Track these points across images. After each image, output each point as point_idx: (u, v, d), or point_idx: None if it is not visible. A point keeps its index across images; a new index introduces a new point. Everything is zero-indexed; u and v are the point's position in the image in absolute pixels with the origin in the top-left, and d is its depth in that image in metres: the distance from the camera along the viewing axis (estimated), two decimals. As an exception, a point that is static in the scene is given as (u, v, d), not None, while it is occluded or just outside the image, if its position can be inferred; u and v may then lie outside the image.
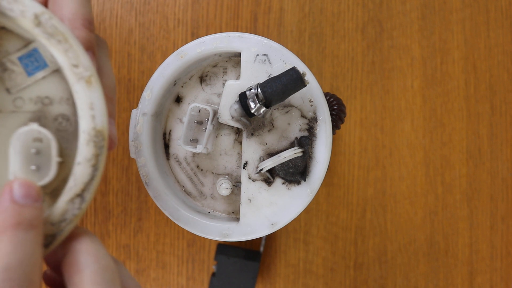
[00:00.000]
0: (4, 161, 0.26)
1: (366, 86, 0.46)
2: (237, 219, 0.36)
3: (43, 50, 0.26)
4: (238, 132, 0.37)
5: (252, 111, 0.33)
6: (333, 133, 0.36)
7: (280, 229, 0.44)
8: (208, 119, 0.35)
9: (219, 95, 0.37)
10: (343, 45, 0.47)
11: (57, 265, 0.25)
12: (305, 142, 0.35)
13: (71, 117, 0.26)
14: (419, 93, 0.47)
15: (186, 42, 0.40)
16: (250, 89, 0.33)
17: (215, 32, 0.41)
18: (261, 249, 0.46)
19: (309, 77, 0.34)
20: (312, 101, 0.35)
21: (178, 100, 0.38)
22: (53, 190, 0.26)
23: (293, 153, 0.34)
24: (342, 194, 0.47)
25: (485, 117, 0.47)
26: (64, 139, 0.26)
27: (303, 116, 0.35)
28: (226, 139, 0.37)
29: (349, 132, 0.47)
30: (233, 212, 0.38)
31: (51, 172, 0.25)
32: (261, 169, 0.35)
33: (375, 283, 0.47)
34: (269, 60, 0.35)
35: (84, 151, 0.24)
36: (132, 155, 0.36)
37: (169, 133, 0.38)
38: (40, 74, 0.26)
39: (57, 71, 0.26)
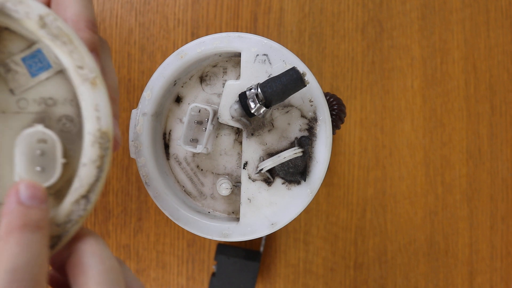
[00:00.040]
0: (9, 162, 0.26)
1: (366, 86, 0.46)
2: (237, 219, 0.36)
3: (47, 51, 0.26)
4: (238, 132, 0.37)
5: (252, 111, 0.33)
6: (333, 133, 0.36)
7: (280, 229, 0.44)
8: (208, 119, 0.35)
9: (219, 95, 0.37)
10: (343, 45, 0.47)
11: (61, 265, 0.25)
12: (305, 142, 0.35)
13: (74, 118, 0.26)
14: (419, 93, 0.47)
15: (186, 42, 0.40)
16: (250, 89, 0.33)
17: (215, 32, 0.41)
18: (261, 249, 0.46)
19: (309, 77, 0.34)
20: (312, 101, 0.35)
21: (178, 100, 0.38)
22: (57, 191, 0.26)
23: (293, 153, 0.34)
24: (342, 194, 0.47)
25: (485, 117, 0.47)
26: (68, 140, 0.26)
27: (303, 116, 0.35)
28: (226, 139, 0.37)
29: (349, 132, 0.47)
30: (233, 212, 0.38)
31: (56, 174, 0.25)
32: (261, 169, 0.35)
33: (375, 283, 0.47)
34: (269, 60, 0.35)
35: (89, 153, 0.24)
36: (132, 155, 0.36)
37: (169, 133, 0.38)
38: (43, 75, 0.26)
39: (61, 72, 0.26)
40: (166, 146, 0.38)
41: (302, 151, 0.34)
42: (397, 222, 0.47)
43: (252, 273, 0.44)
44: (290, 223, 0.40)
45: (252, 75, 0.35)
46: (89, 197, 0.24)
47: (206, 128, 0.35)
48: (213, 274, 0.44)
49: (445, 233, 0.47)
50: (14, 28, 0.26)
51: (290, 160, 0.34)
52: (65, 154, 0.26)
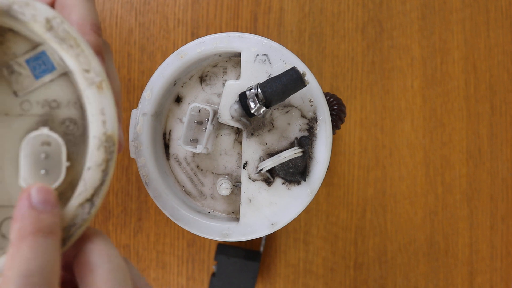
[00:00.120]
0: (12, 164, 0.26)
1: (366, 86, 0.46)
2: (237, 219, 0.36)
3: (51, 53, 0.26)
4: (238, 132, 0.37)
5: (252, 111, 0.33)
6: (333, 133, 0.36)
7: (280, 229, 0.44)
8: (208, 119, 0.35)
9: (219, 95, 0.37)
10: (343, 45, 0.47)
11: (67, 264, 0.25)
12: (305, 142, 0.35)
13: (78, 120, 0.26)
14: (419, 93, 0.47)
15: (186, 42, 0.40)
16: (250, 89, 0.33)
17: (215, 32, 0.41)
18: (261, 249, 0.46)
19: (309, 77, 0.34)
20: (312, 101, 0.35)
21: (178, 100, 0.38)
22: (60, 194, 0.26)
23: (293, 153, 0.34)
24: (342, 194, 0.47)
25: (485, 117, 0.47)
26: (71, 142, 0.26)
27: (303, 116, 0.35)
28: (226, 139, 0.37)
29: (349, 132, 0.47)
30: (233, 212, 0.38)
31: (61, 177, 0.25)
32: (261, 169, 0.35)
33: (375, 283, 0.47)
34: (269, 60, 0.35)
35: (94, 156, 0.24)
36: (132, 155, 0.36)
37: (169, 133, 0.38)
38: (47, 77, 0.26)
39: (65, 74, 0.26)
40: (166, 146, 0.38)
41: (302, 151, 0.34)
42: (397, 222, 0.47)
43: (252, 273, 0.44)
44: (290, 223, 0.40)
45: (252, 75, 0.35)
46: (93, 200, 0.24)
47: (206, 128, 0.35)
48: (213, 274, 0.44)
49: (445, 233, 0.47)
50: (19, 30, 0.26)
51: (290, 160, 0.34)
52: (69, 157, 0.26)
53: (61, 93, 0.26)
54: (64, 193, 0.26)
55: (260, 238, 0.46)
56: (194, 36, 0.47)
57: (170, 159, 0.38)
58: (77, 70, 0.24)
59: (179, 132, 0.38)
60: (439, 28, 0.47)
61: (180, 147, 0.37)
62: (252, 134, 0.35)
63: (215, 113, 0.35)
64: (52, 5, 0.28)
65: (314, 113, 0.35)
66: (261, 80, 0.33)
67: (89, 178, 0.24)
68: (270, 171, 0.35)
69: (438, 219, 0.47)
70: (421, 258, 0.47)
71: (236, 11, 0.47)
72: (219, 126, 0.37)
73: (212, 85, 0.37)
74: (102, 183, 0.24)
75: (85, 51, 0.25)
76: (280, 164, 0.34)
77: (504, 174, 0.47)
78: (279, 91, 0.32)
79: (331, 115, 0.35)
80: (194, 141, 0.36)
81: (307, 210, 0.47)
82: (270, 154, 0.35)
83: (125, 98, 0.47)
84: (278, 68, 0.35)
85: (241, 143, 0.37)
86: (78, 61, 0.24)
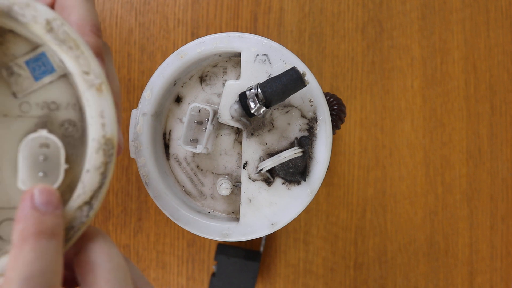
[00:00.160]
0: (10, 166, 0.26)
1: (366, 86, 0.46)
2: (237, 219, 0.36)
3: (51, 55, 0.26)
4: (238, 132, 0.37)
5: (252, 111, 0.33)
6: (333, 133, 0.36)
7: (280, 229, 0.44)
8: (208, 119, 0.35)
9: (219, 95, 0.37)
10: (343, 45, 0.47)
11: (68, 263, 0.25)
12: (305, 142, 0.35)
13: (77, 123, 0.26)
14: (419, 93, 0.47)
15: (186, 42, 0.40)
16: (250, 89, 0.33)
17: (215, 32, 0.41)
18: (261, 249, 0.46)
19: (309, 77, 0.34)
20: (312, 101, 0.35)
21: (178, 100, 0.38)
22: None
23: (293, 153, 0.34)
24: (342, 194, 0.47)
25: (485, 117, 0.47)
26: (70, 145, 0.26)
27: (303, 116, 0.35)
28: (226, 139, 0.37)
29: (349, 132, 0.47)
30: (233, 212, 0.38)
31: (59, 179, 0.25)
32: (261, 169, 0.35)
33: (375, 283, 0.47)
34: (269, 60, 0.35)
35: (93, 159, 0.24)
36: (132, 155, 0.36)
37: (169, 133, 0.38)
38: (47, 79, 0.26)
39: (65, 76, 0.26)
40: (166, 146, 0.38)
41: (302, 151, 0.34)
42: (397, 222, 0.47)
43: (252, 273, 0.44)
44: (290, 223, 0.40)
45: (252, 75, 0.35)
46: (92, 203, 0.24)
47: (206, 128, 0.35)
48: (213, 274, 0.44)
49: (445, 233, 0.47)
50: (18, 31, 0.26)
51: (290, 160, 0.34)
52: (67, 159, 0.26)
53: (61, 95, 0.26)
54: (63, 195, 0.26)
55: (260, 238, 0.46)
56: (194, 36, 0.47)
57: (170, 159, 0.38)
58: (76, 72, 0.24)
59: (179, 132, 0.38)
60: (439, 28, 0.47)
61: (180, 147, 0.37)
62: (252, 134, 0.35)
63: (215, 113, 0.35)
64: (52, 6, 0.28)
65: (314, 113, 0.35)
66: (261, 80, 0.33)
67: (88, 181, 0.24)
68: (270, 171, 0.35)
69: (438, 219, 0.47)
70: (421, 258, 0.47)
71: (236, 11, 0.47)
72: (219, 126, 0.37)
73: (212, 85, 0.37)
74: (101, 186, 0.24)
75: (85, 53, 0.24)
76: (280, 164, 0.34)
77: (504, 174, 0.47)
78: (279, 91, 0.32)
79: (331, 115, 0.35)
80: (194, 141, 0.36)
81: (307, 210, 0.47)
82: (270, 154, 0.35)
83: (125, 98, 0.47)
84: (278, 68, 0.35)
85: (241, 143, 0.37)
86: (78, 63, 0.24)
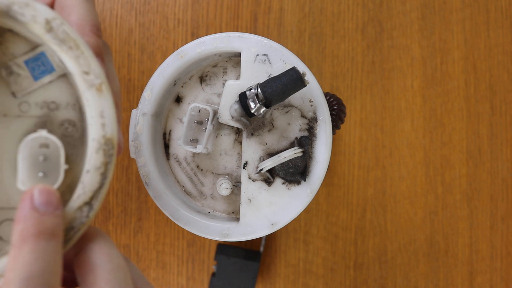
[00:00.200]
0: (10, 166, 0.26)
1: (366, 86, 0.46)
2: (237, 219, 0.36)
3: (50, 54, 0.26)
4: (238, 132, 0.37)
5: (252, 111, 0.33)
6: (333, 133, 0.36)
7: (280, 229, 0.44)
8: (208, 119, 0.35)
9: (219, 95, 0.37)
10: (343, 45, 0.47)
11: (67, 263, 0.25)
12: (305, 142, 0.35)
13: (77, 122, 0.26)
14: (419, 93, 0.47)
15: (186, 42, 0.40)
16: (250, 89, 0.33)
17: (215, 32, 0.41)
18: (261, 249, 0.46)
19: (309, 77, 0.34)
20: (312, 101, 0.35)
21: (178, 100, 0.38)
22: None
23: (293, 153, 0.34)
24: (342, 194, 0.47)
25: (485, 117, 0.47)
26: (70, 144, 0.26)
27: (303, 116, 0.35)
28: (226, 139, 0.37)
29: (349, 132, 0.47)
30: (233, 212, 0.38)
31: (59, 179, 0.25)
32: (261, 169, 0.35)
33: (375, 283, 0.47)
34: (269, 60, 0.35)
35: (93, 159, 0.24)
36: (132, 155, 0.36)
37: (169, 133, 0.38)
38: (46, 79, 0.26)
39: (64, 76, 0.26)
40: (166, 146, 0.38)
41: (302, 151, 0.34)
42: (397, 222, 0.47)
43: (252, 273, 0.44)
44: (290, 223, 0.40)
45: (252, 75, 0.35)
46: (92, 204, 0.24)
47: (206, 128, 0.35)
48: (213, 274, 0.44)
49: (445, 233, 0.47)
50: (18, 30, 0.26)
51: (290, 160, 0.34)
52: (67, 159, 0.26)
53: (60, 94, 0.26)
54: (63, 196, 0.26)
55: (260, 238, 0.46)
56: (194, 36, 0.47)
57: (170, 159, 0.38)
58: (76, 72, 0.24)
59: (179, 132, 0.38)
60: (439, 28, 0.47)
61: (180, 147, 0.37)
62: (252, 134, 0.35)
63: (215, 113, 0.35)
64: (52, 5, 0.28)
65: (314, 113, 0.35)
66: (261, 80, 0.33)
67: (88, 181, 0.24)
68: (270, 171, 0.35)
69: (438, 219, 0.47)
70: (421, 258, 0.47)
71: (236, 11, 0.47)
72: (219, 126, 0.37)
73: (212, 85, 0.37)
74: (101, 186, 0.24)
75: (85, 53, 0.24)
76: (280, 164, 0.34)
77: (504, 174, 0.47)
78: (279, 91, 0.32)
79: (331, 115, 0.35)
80: (194, 141, 0.36)
81: (307, 210, 0.47)
82: (270, 154, 0.35)
83: (125, 98, 0.47)
84: (278, 68, 0.35)
85: (241, 143, 0.37)
86: (77, 63, 0.24)
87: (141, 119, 0.36)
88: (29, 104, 0.26)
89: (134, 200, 0.47)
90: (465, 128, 0.47)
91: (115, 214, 0.47)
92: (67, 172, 0.25)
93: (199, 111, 0.36)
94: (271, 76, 0.35)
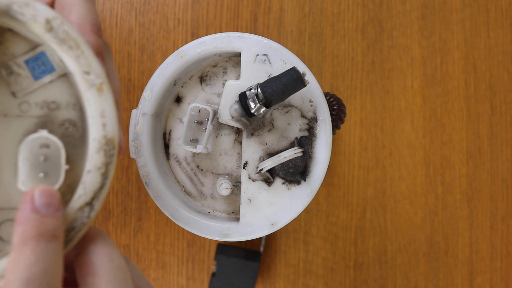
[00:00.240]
0: (10, 166, 0.26)
1: (366, 86, 0.46)
2: (237, 219, 0.36)
3: (51, 54, 0.26)
4: (238, 132, 0.37)
5: (252, 111, 0.33)
6: (333, 133, 0.36)
7: (280, 229, 0.44)
8: (208, 119, 0.35)
9: (219, 95, 0.37)
10: (343, 45, 0.47)
11: (68, 264, 0.25)
12: (305, 142, 0.35)
13: (78, 122, 0.26)
14: (419, 93, 0.47)
15: (186, 42, 0.40)
16: (250, 89, 0.33)
17: (215, 32, 0.41)
18: (261, 249, 0.46)
19: (309, 77, 0.34)
20: (312, 101, 0.35)
21: (178, 100, 0.38)
22: None
23: (293, 153, 0.34)
24: (342, 194, 0.47)
25: (485, 117, 0.47)
26: (70, 144, 0.26)
27: (303, 116, 0.35)
28: (226, 139, 0.37)
29: (349, 132, 0.47)
30: (233, 212, 0.38)
31: (60, 180, 0.25)
32: (261, 169, 0.35)
33: (375, 283, 0.47)
34: (269, 60, 0.35)
35: (94, 160, 0.24)
36: (132, 155, 0.36)
37: (169, 133, 0.38)
38: (47, 78, 0.26)
39: (64, 76, 0.26)
40: (166, 146, 0.38)
41: (302, 151, 0.34)
42: (397, 222, 0.47)
43: (252, 273, 0.44)
44: (290, 223, 0.40)
45: (252, 75, 0.35)
46: (93, 204, 0.24)
47: (206, 128, 0.35)
48: (213, 274, 0.44)
49: (445, 233, 0.47)
50: (18, 30, 0.26)
51: (290, 160, 0.34)
52: (68, 160, 0.25)
53: (61, 94, 0.26)
54: (63, 196, 0.25)
55: (260, 238, 0.46)
56: (194, 36, 0.47)
57: (170, 159, 0.38)
58: (77, 72, 0.24)
59: (179, 132, 0.38)
60: (439, 28, 0.47)
61: (180, 147, 0.37)
62: (252, 134, 0.35)
63: (215, 113, 0.35)
64: (52, 5, 0.28)
65: (314, 113, 0.35)
66: (261, 80, 0.33)
67: (89, 181, 0.24)
68: (270, 171, 0.35)
69: (438, 219, 0.47)
70: (421, 258, 0.47)
71: (236, 11, 0.47)
72: (219, 126, 0.37)
73: (212, 85, 0.37)
74: (102, 186, 0.24)
75: (85, 52, 0.24)
76: (280, 164, 0.34)
77: (504, 174, 0.47)
78: (279, 91, 0.32)
79: (331, 115, 0.35)
80: (194, 141, 0.36)
81: (307, 210, 0.47)
82: (270, 154, 0.35)
83: (125, 98, 0.47)
84: (278, 68, 0.35)
85: (241, 143, 0.37)
86: (78, 62, 0.24)
87: (141, 119, 0.36)
88: (30, 104, 0.26)
89: (134, 200, 0.47)
90: (465, 128, 0.47)
91: (115, 214, 0.47)
92: (67, 172, 0.25)
93: (199, 111, 0.36)
94: (271, 76, 0.35)
